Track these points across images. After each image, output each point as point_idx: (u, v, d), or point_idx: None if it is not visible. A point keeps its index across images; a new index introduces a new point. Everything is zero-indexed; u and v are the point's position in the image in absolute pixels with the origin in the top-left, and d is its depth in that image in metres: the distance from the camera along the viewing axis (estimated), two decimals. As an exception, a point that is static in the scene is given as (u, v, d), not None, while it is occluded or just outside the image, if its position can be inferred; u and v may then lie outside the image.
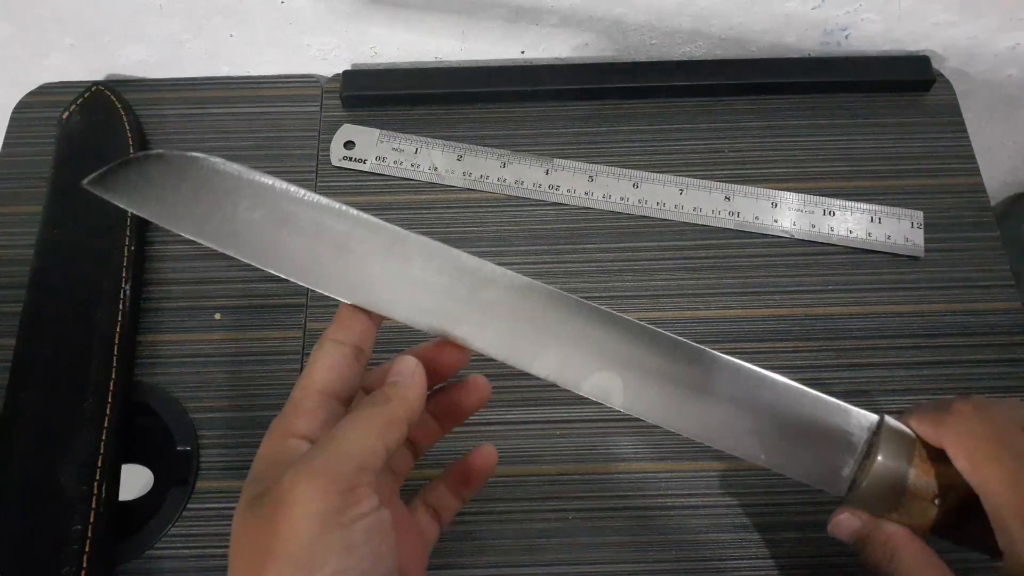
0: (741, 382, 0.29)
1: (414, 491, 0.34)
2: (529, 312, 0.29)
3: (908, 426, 0.30)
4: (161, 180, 0.29)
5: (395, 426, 0.27)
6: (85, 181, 0.30)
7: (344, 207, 0.30)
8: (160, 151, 0.30)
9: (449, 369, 0.31)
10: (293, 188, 0.30)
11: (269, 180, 0.30)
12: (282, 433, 0.28)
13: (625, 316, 0.29)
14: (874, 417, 0.29)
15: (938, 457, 0.29)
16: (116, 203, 0.29)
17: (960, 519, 0.29)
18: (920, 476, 0.29)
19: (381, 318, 0.30)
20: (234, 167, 0.30)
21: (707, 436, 0.29)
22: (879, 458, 0.28)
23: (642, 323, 0.30)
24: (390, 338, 0.34)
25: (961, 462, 0.28)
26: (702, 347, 0.30)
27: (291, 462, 0.26)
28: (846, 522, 0.30)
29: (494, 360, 0.29)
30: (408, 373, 0.29)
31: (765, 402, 0.29)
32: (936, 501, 0.29)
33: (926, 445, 0.29)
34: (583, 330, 0.29)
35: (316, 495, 0.24)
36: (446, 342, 0.30)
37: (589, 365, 0.29)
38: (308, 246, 0.29)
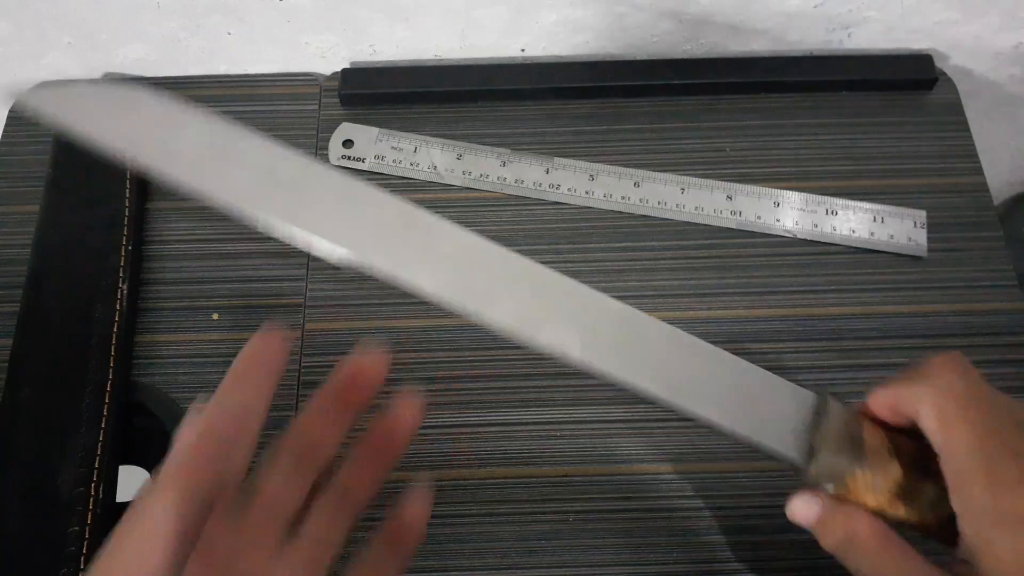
0: (695, 354, 0.29)
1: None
2: (485, 266, 0.29)
3: (876, 395, 0.29)
4: (103, 104, 0.28)
5: (166, 531, 0.22)
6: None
7: (296, 153, 0.29)
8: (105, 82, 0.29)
9: (366, 384, 0.29)
10: (243, 128, 0.29)
11: (218, 118, 0.29)
12: None
13: (579, 282, 0.29)
14: (812, 393, 0.29)
15: (883, 424, 0.29)
16: (46, 120, 0.28)
17: (916, 483, 0.28)
18: (873, 435, 0.29)
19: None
20: (184, 103, 0.29)
21: (664, 391, 0.28)
22: (830, 420, 0.28)
23: (595, 290, 0.29)
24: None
25: (931, 421, 0.27)
26: (652, 317, 0.29)
27: None
28: (804, 504, 0.29)
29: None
30: (183, 447, 0.24)
31: (715, 372, 0.29)
32: (892, 453, 0.28)
33: (870, 417, 0.29)
34: (539, 286, 0.29)
35: None
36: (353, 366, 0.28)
37: (546, 316, 0.28)
38: (253, 178, 0.28)
